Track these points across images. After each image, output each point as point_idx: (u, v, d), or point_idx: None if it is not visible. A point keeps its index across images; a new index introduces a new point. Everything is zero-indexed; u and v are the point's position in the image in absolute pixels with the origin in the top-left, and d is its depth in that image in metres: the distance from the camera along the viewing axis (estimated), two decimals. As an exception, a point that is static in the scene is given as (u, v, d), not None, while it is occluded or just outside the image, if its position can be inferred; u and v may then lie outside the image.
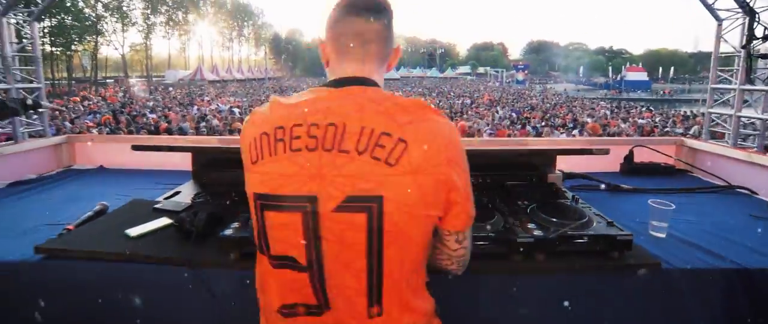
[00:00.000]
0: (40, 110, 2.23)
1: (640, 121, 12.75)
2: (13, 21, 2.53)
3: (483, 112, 14.84)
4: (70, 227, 1.32)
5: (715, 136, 2.76)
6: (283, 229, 0.74)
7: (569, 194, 1.57)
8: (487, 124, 10.86)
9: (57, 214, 1.49)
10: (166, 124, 10.30)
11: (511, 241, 1.16)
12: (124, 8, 42.21)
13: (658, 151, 2.43)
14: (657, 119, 13.98)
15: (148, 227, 1.30)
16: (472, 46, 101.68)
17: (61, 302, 1.14)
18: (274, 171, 0.73)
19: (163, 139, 2.25)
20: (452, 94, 26.81)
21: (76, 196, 1.76)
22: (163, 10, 48.31)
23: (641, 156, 2.41)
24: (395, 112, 0.73)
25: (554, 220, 1.26)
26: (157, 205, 1.53)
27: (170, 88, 31.07)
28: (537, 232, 1.19)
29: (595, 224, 1.25)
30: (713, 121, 2.79)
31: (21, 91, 2.48)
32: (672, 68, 53.32)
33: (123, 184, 1.93)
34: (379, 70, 0.83)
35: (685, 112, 15.98)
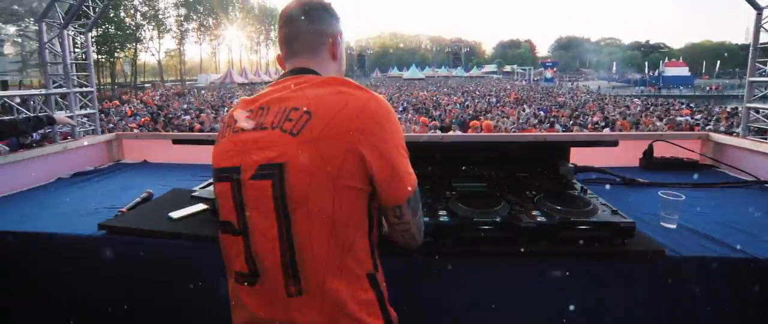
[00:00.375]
0: (56, 126, 2.34)
1: (678, 118, 12.12)
2: (71, 32, 2.82)
3: (508, 110, 14.61)
4: (123, 210, 1.52)
5: (762, 133, 2.66)
6: (221, 196, 0.85)
7: (578, 185, 1.61)
8: (513, 124, 10.71)
9: (112, 199, 1.70)
10: (200, 125, 10.82)
11: (516, 227, 1.19)
12: (160, 16, 44.38)
13: (682, 147, 2.39)
14: (698, 117, 13.23)
15: (187, 211, 1.46)
16: (498, 43, 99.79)
17: (118, 269, 1.34)
18: (219, 150, 0.87)
19: (199, 134, 2.47)
20: (477, 92, 26.50)
21: (126, 185, 1.98)
22: (195, 17, 50.36)
23: (665, 152, 2.38)
24: (308, 88, 0.82)
25: (559, 208, 1.29)
26: (194, 193, 1.69)
27: (203, 91, 32.39)
28: (541, 219, 1.23)
29: (599, 212, 1.29)
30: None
31: (25, 113, 2.66)
32: (718, 62, 49.94)
33: (164, 176, 2.14)
34: (314, 59, 0.92)
35: (733, 108, 14.85)
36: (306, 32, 0.91)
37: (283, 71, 0.94)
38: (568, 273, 1.22)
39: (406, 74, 54.15)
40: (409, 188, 0.82)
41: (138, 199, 1.62)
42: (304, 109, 0.78)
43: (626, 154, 2.27)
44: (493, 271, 1.23)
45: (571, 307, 1.23)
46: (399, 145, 0.82)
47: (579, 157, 1.95)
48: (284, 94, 0.83)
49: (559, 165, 1.85)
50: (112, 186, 2.00)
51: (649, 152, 2.39)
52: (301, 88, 0.83)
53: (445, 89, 31.26)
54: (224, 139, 0.87)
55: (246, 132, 0.83)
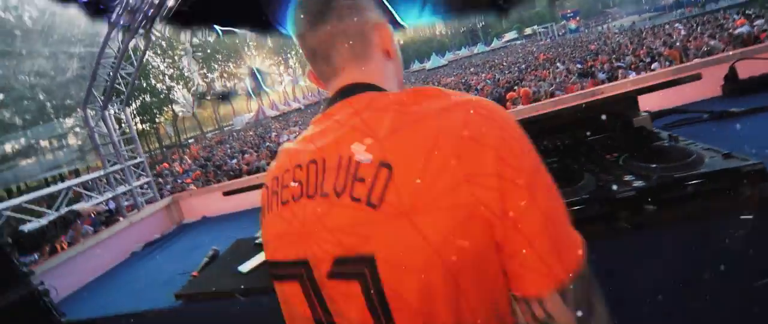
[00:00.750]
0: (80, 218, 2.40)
1: (736, 31, 10.81)
2: (112, 112, 2.98)
3: (542, 72, 13.91)
4: (195, 274, 1.52)
5: None
6: (288, 302, 0.59)
7: (664, 134, 1.40)
8: (551, 84, 10.15)
9: (182, 264, 1.72)
10: (246, 167, 11.29)
11: (611, 200, 1.05)
12: (186, 74, 47.40)
13: None
14: (759, 22, 11.74)
15: (255, 262, 1.43)
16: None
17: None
18: (269, 232, 0.60)
19: (246, 180, 2.50)
20: (504, 63, 25.55)
21: (192, 246, 2.02)
22: (216, 67, 53.22)
23: (751, 71, 2.05)
24: (375, 121, 0.52)
25: (654, 165, 1.13)
26: (258, 241, 1.68)
27: (241, 133, 34.05)
28: (637, 183, 1.07)
29: (707, 160, 1.10)
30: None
31: (90, 196, 2.88)
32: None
33: (225, 228, 2.17)
34: (366, 67, 0.61)
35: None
36: (344, 33, 0.60)
37: (323, 90, 0.66)
38: (686, 239, 1.04)
39: (428, 65, 53.43)
40: (558, 267, 0.47)
41: (206, 259, 1.62)
42: (379, 159, 0.49)
43: (702, 86, 1.98)
44: (591, 254, 1.07)
45: (698, 280, 1.04)
46: (538, 172, 0.50)
47: (647, 101, 1.71)
48: (340, 135, 0.54)
49: (632, 116, 1.63)
50: (179, 250, 2.05)
51: (732, 76, 2.07)
52: (362, 120, 0.53)
53: (471, 69, 30.48)
54: (272, 212, 0.60)
55: (300, 201, 0.55)
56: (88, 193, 2.64)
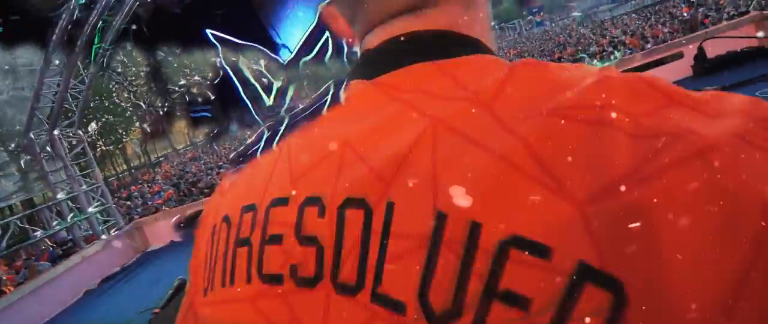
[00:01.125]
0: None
1: (683, 18, 11.41)
2: (60, 133, 2.74)
3: (512, 67, 14.30)
4: (157, 311, 1.36)
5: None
6: None
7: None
8: (521, 79, 10.40)
9: (144, 300, 1.55)
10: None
11: None
12: (154, 88, 45.74)
13: (735, 37, 2.07)
14: (701, 9, 12.44)
15: (225, 290, 1.29)
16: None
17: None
18: None
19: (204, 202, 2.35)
20: (474, 61, 26.02)
21: (156, 277, 1.84)
22: (185, 80, 51.70)
23: (717, 50, 2.08)
24: (554, 145, 0.19)
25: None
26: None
27: (215, 146, 33.13)
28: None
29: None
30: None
31: (33, 231, 2.64)
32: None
33: (194, 253, 2.00)
34: (470, 9, 0.30)
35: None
36: None
37: (351, 44, 0.34)
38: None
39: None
40: None
41: (170, 292, 1.46)
42: (578, 258, 0.17)
43: (671, 68, 1.98)
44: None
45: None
46: None
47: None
48: (432, 159, 0.21)
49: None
50: (141, 283, 1.87)
51: (700, 56, 2.09)
52: (508, 131, 0.20)
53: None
54: (230, 288, 0.28)
55: (309, 292, 0.24)
56: (34, 228, 2.41)
